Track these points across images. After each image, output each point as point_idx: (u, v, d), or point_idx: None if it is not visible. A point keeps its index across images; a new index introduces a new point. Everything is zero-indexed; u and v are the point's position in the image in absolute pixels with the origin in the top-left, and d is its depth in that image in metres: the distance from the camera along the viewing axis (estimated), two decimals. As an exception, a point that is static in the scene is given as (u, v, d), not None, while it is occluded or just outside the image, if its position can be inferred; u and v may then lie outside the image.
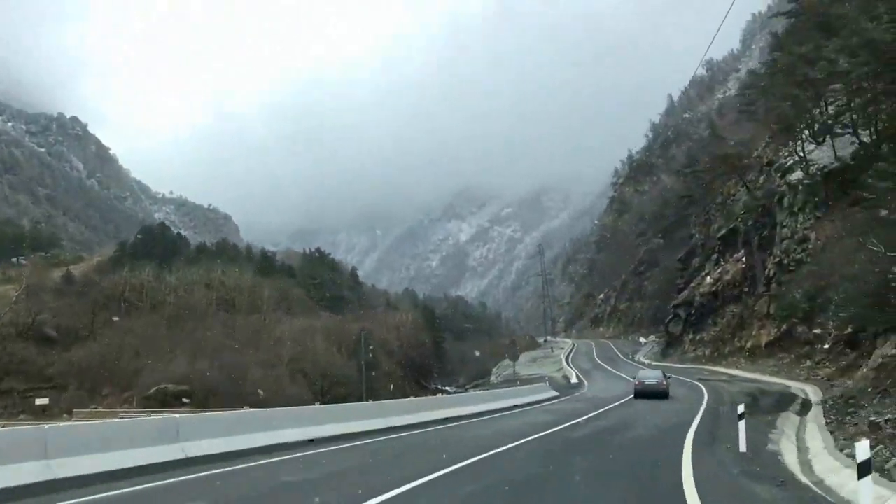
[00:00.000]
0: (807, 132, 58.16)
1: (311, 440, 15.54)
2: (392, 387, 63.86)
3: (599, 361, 74.46)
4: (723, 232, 66.16)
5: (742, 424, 13.07)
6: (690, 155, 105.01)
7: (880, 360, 25.47)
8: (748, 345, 56.29)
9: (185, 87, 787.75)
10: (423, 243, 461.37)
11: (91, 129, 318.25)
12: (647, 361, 71.08)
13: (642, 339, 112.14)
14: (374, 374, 71.95)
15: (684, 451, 12.74)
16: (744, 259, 62.27)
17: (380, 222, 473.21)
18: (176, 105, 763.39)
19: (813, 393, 29.58)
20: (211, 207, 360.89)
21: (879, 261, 28.67)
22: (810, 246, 53.83)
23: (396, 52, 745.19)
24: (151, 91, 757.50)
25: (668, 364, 66.02)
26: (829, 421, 19.14)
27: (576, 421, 20.51)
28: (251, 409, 25.52)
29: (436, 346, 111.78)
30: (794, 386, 34.19)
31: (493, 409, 25.63)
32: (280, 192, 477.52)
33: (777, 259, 55.69)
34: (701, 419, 20.17)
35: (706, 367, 58.00)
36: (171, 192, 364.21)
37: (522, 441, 14.92)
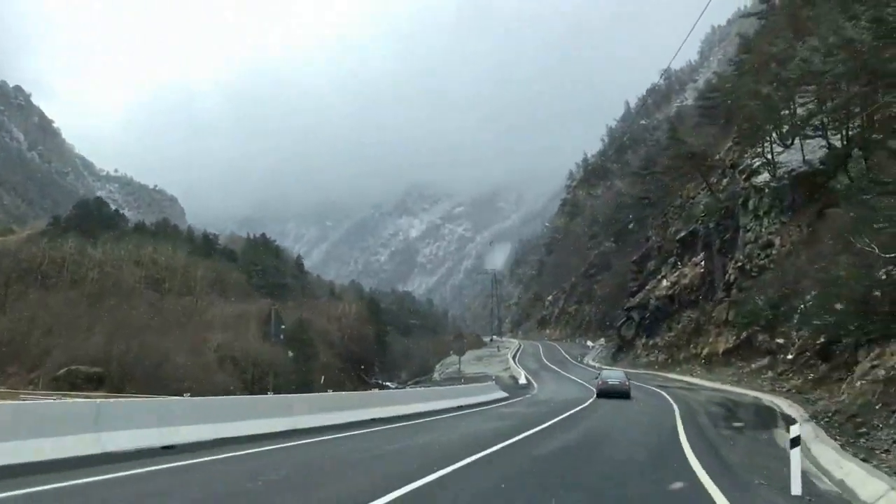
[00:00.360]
0: (775, 134, 55.59)
1: (171, 446, 11.25)
2: (323, 379, 59.31)
3: (548, 363, 71.23)
4: (682, 234, 63.33)
5: (796, 455, 9.03)
6: (648, 157, 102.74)
7: (883, 372, 22.28)
8: (704, 352, 53.38)
9: (139, 67, 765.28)
10: (372, 237, 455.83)
11: (35, 101, 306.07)
12: (596, 365, 68.06)
13: (590, 343, 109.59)
14: (308, 364, 67.49)
15: (710, 490, 8.77)
16: (703, 263, 59.49)
17: (330, 214, 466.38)
18: (128, 85, 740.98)
19: (788, 406, 26.23)
20: (157, 188, 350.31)
21: (872, 262, 25.65)
22: (774, 252, 51.15)
23: (356, 44, 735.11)
24: (104, 68, 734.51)
25: (620, 369, 63.16)
26: (841, 443, 15.68)
27: (537, 429, 16.56)
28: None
29: (379, 339, 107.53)
30: (764, 398, 30.92)
31: (433, 410, 21.67)
32: (231, 179, 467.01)
33: (739, 264, 52.90)
34: (685, 434, 16.41)
35: (660, 373, 54.98)
36: (117, 171, 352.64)
37: (470, 460, 10.86)
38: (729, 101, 71.01)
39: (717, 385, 42.58)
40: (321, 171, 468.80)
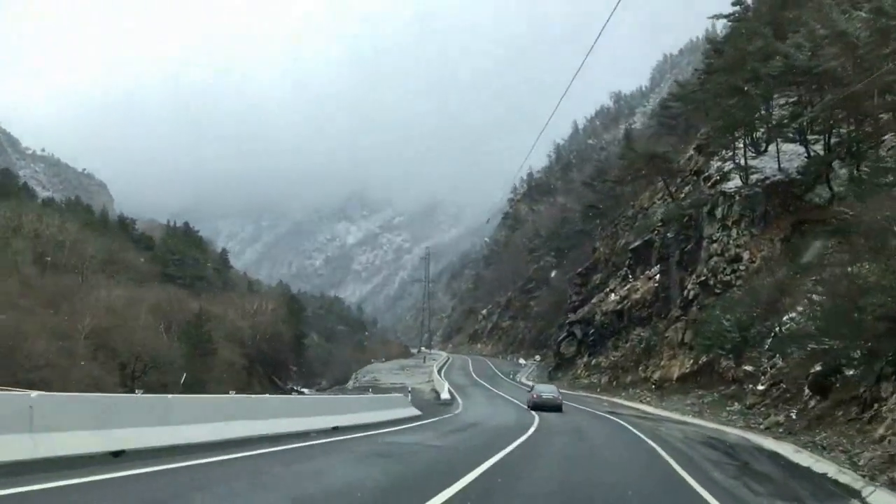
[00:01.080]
0: (748, 138, 49.27)
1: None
2: (184, 378, 50.57)
3: (477, 378, 63.59)
4: (635, 244, 56.57)
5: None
6: (599, 170, 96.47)
7: None
8: (656, 376, 46.30)
9: (78, 48, 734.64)
10: (308, 241, 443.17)
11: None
12: (530, 383, 60.93)
13: (522, 361, 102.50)
14: (204, 361, 58.30)
15: None
16: (658, 276, 52.70)
17: (267, 214, 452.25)
18: (67, 67, 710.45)
19: (806, 456, 18.80)
20: (85, 172, 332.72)
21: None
22: (742, 267, 44.47)
23: (304, 47, 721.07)
24: (43, 46, 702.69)
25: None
26: None
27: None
28: None
29: (297, 342, 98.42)
30: (754, 438, 23.53)
31: (289, 433, 13.54)
32: (166, 171, 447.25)
33: (701, 279, 46.08)
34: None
35: (603, 396, 47.78)
36: (44, 150, 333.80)
37: None
38: (690, 108, 65.06)
39: (677, 416, 35.37)
40: (261, 172, 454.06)
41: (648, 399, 44.14)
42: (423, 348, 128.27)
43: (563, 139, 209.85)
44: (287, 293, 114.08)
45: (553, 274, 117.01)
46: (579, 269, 69.63)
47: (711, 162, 52.93)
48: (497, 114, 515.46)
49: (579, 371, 55.42)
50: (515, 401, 40.70)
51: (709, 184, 50.50)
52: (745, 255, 44.36)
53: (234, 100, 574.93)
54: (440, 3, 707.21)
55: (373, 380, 57.96)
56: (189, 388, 55.43)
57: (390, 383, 54.01)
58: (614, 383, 49.77)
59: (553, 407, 33.60)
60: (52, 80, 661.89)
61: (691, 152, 59.40)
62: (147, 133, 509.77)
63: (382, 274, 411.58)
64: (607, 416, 31.19)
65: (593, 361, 54.28)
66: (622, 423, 27.06)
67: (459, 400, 39.98)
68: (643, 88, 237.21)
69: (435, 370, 65.05)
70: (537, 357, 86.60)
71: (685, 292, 47.58)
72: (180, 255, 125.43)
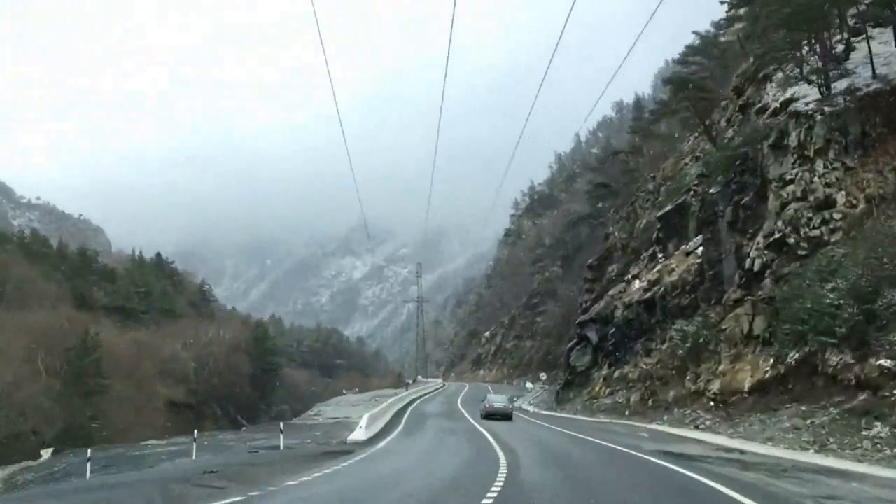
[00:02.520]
0: (822, 44, 33.74)
1: None
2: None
3: (460, 406, 47.20)
4: (667, 209, 40.57)
5: None
6: (607, 149, 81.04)
7: None
8: (713, 387, 30.03)
9: (71, 95, 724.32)
10: (314, 277, 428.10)
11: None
12: (532, 409, 44.87)
13: (529, 385, 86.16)
14: (89, 401, 42.29)
15: None
16: (700, 249, 36.69)
17: (271, 252, 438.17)
18: (61, 111, 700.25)
19: None
20: (82, 218, 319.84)
21: None
22: (837, 214, 28.64)
23: (304, 82, 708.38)
24: (39, 94, 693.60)
25: (566, 417, 39.31)
26: None
27: None
28: None
29: (266, 374, 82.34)
30: None
31: None
32: (166, 212, 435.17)
33: (772, 239, 30.07)
34: None
35: (635, 422, 31.69)
36: (39, 199, 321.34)
37: None
38: (714, 60, 49.68)
39: (781, 452, 19.35)
40: (262, 207, 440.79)
41: (708, 423, 27.98)
42: (418, 377, 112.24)
43: (565, 151, 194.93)
44: (252, 325, 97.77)
45: (559, 286, 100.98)
46: (590, 261, 53.51)
47: (766, 89, 37.31)
48: (501, 134, 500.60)
49: (597, 388, 39.11)
50: (492, 438, 24.49)
51: (766, 114, 34.75)
52: (841, 198, 28.44)
53: (230, 136, 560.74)
54: (440, 27, 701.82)
55: (316, 413, 42.67)
56: (73, 437, 39.73)
57: (332, 418, 38.32)
58: (650, 402, 33.48)
59: (504, 416, 35.38)
60: (48, 127, 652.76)
61: (730, 95, 43.72)
62: (146, 177, 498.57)
63: (388, 307, 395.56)
64: (667, 464, 15.03)
65: (616, 373, 38.04)
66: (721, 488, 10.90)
67: (387, 438, 23.85)
68: (645, 96, 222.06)
69: (397, 399, 48.40)
70: (542, 376, 70.19)
71: (746, 263, 31.50)
72: (146, 288, 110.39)
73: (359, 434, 22.41)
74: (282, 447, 21.37)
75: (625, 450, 19.05)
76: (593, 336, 41.60)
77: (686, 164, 46.15)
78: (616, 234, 52.51)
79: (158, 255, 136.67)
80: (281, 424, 23.45)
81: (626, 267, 48.53)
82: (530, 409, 48.26)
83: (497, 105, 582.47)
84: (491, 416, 35.11)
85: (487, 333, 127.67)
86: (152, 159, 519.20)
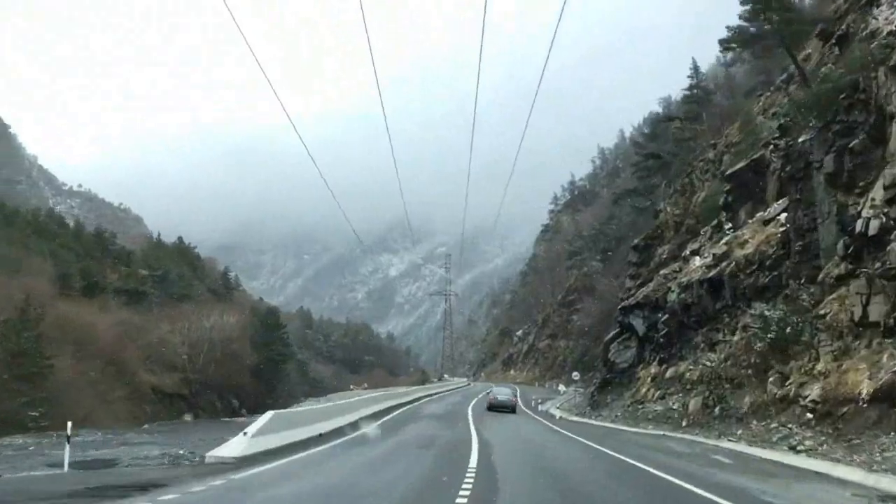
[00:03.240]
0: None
1: None
2: None
3: (468, 410, 38.74)
4: (738, 167, 31.79)
5: None
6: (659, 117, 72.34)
7: None
8: (811, 393, 21.37)
9: (116, 85, 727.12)
10: (350, 274, 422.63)
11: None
12: (559, 414, 36.52)
13: (561, 387, 77.55)
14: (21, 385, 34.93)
15: None
16: (784, 215, 28.01)
17: (309, 247, 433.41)
18: (106, 101, 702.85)
19: None
20: (122, 207, 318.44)
21: None
22: None
23: (341, 78, 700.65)
24: (83, 83, 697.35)
25: (602, 426, 30.62)
26: None
27: None
28: None
29: (273, 363, 74.84)
30: None
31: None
32: (207, 206, 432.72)
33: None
34: None
35: (696, 436, 23.14)
36: (80, 186, 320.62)
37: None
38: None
39: None
40: (302, 202, 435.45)
41: (808, 442, 19.32)
42: (444, 375, 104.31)
43: (608, 147, 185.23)
44: (262, 312, 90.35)
45: (598, 281, 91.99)
46: (636, 241, 44.60)
47: (874, 13, 28.50)
48: (546, 131, 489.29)
49: (643, 390, 30.33)
50: (476, 457, 15.92)
51: (881, 36, 25.90)
52: None
53: (269, 130, 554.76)
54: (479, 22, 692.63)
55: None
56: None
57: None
58: (715, 410, 24.80)
59: (507, 408, 36.52)
60: (92, 116, 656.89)
61: (813, 42, 34.76)
62: (188, 169, 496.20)
63: (424, 306, 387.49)
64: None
65: (669, 372, 29.32)
66: None
67: (315, 450, 15.29)
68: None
69: (388, 399, 39.77)
70: (575, 375, 61.46)
71: (857, 226, 22.66)
72: (162, 271, 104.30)
73: (234, 446, 13.79)
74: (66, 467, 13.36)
75: (709, 496, 10.65)
76: (639, 325, 32.91)
77: (756, 123, 37.25)
78: (668, 210, 43.71)
79: (180, 238, 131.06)
80: (68, 427, 14.60)
81: (679, 248, 39.77)
82: (557, 413, 39.83)
83: (541, 102, 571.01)
84: (495, 408, 36.18)
85: (520, 332, 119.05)
86: (193, 152, 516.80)
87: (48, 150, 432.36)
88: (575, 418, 34.50)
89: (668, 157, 48.39)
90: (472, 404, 41.42)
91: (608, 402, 33.00)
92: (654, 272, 39.35)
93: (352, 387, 75.23)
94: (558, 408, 43.57)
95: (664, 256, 40.09)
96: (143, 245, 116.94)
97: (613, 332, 36.01)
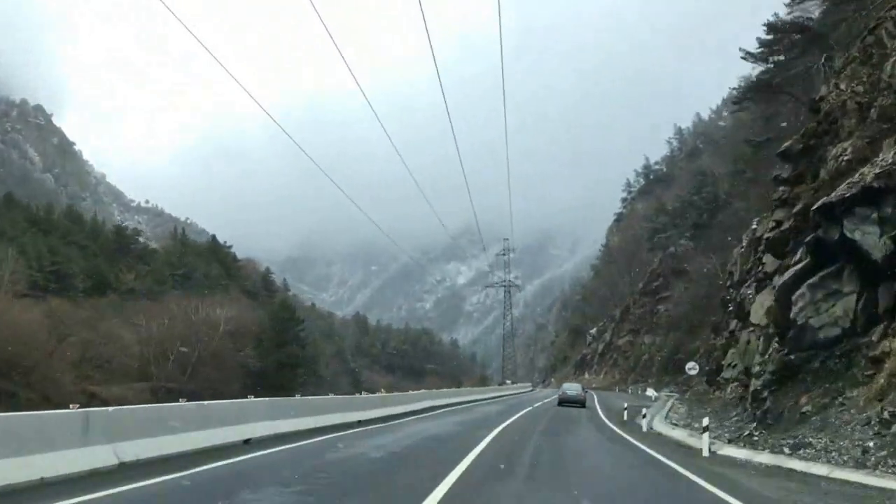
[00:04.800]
0: None
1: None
2: None
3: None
4: None
5: None
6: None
7: None
8: None
9: (183, 100, 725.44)
10: (418, 283, 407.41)
11: (57, 122, 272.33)
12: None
13: (651, 392, 59.34)
14: None
15: None
16: None
17: (377, 258, 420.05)
18: (173, 116, 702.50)
19: None
20: (189, 221, 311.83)
21: None
22: None
23: (403, 80, 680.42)
24: (150, 99, 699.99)
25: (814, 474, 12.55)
26: None
27: None
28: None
29: (286, 368, 58.59)
30: None
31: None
32: (275, 218, 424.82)
33: None
34: None
35: None
36: (148, 202, 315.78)
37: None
38: None
39: None
40: (369, 212, 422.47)
41: None
42: (506, 381, 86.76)
43: (686, 126, 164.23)
44: (277, 303, 74.14)
45: (690, 262, 73.16)
46: (785, 146, 26.06)
47: None
48: (610, 130, 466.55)
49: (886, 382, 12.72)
50: None
51: None
52: None
53: (336, 143, 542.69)
54: (540, 20, 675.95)
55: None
56: None
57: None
58: None
59: (576, 402, 37.69)
60: (159, 130, 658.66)
61: None
62: (254, 182, 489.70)
63: (494, 314, 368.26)
64: None
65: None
66: None
67: None
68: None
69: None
70: (691, 367, 43.60)
71: None
72: (185, 269, 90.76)
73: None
74: None
75: None
76: (871, 241, 14.65)
77: None
78: (840, 89, 25.51)
79: (214, 237, 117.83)
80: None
81: (870, 143, 21.47)
82: (668, 430, 22.30)
83: (602, 101, 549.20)
84: (564, 402, 37.32)
85: (594, 330, 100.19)
86: (261, 165, 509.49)
87: (117, 168, 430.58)
88: (728, 451, 15.86)
89: (823, 27, 30.25)
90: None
91: (804, 416, 14.75)
92: (832, 182, 21.03)
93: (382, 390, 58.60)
94: (667, 420, 25.64)
95: (848, 155, 21.82)
96: (167, 243, 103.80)
97: (798, 268, 17.67)
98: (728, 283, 51.69)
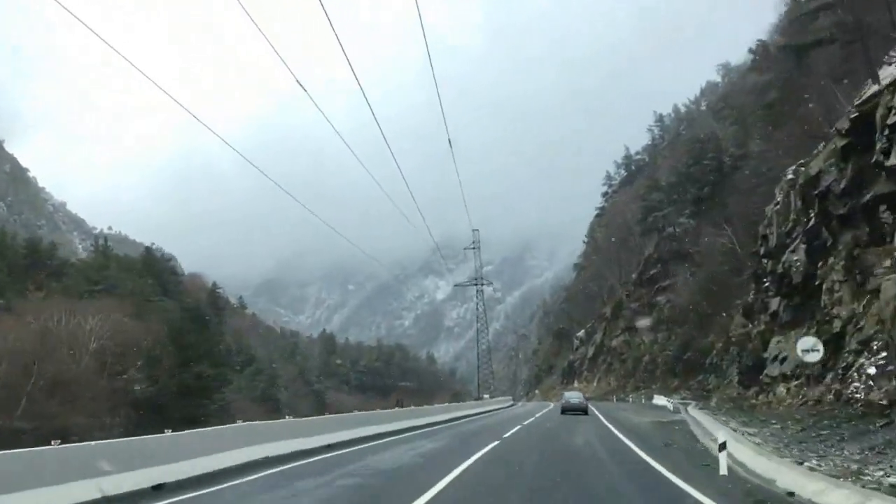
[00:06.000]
0: None
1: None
2: None
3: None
4: None
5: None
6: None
7: None
8: None
9: (149, 126, 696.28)
10: (396, 300, 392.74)
11: (9, 148, 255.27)
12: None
13: (664, 400, 46.19)
14: None
15: None
16: None
17: (353, 277, 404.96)
18: (139, 143, 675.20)
19: None
20: (155, 247, 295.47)
21: None
22: None
23: (375, 94, 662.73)
24: (108, 122, 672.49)
25: None
26: None
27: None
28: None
29: (185, 392, 44.28)
30: None
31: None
32: (248, 242, 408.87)
33: None
34: None
35: None
36: (111, 229, 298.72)
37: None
38: None
39: None
40: (343, 232, 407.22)
41: None
42: (485, 395, 73.13)
43: (667, 112, 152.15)
44: (175, 315, 59.03)
45: (692, 241, 60.39)
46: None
47: None
48: (586, 138, 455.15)
49: None
50: None
51: None
52: None
53: (303, 156, 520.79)
54: (513, 24, 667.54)
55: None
56: None
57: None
58: None
59: (579, 410, 37.10)
60: (121, 155, 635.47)
61: None
62: (225, 205, 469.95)
63: (474, 328, 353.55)
64: None
65: None
66: None
67: None
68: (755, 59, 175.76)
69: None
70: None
71: None
72: (106, 284, 76.69)
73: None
74: None
75: None
76: None
77: None
78: None
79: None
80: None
81: None
82: (780, 469, 9.45)
83: (580, 104, 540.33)
84: (566, 411, 37.33)
85: (581, 333, 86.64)
86: (232, 188, 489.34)
87: (80, 196, 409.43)
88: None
89: None
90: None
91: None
92: None
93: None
94: (793, 457, 12.54)
95: None
96: (87, 257, 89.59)
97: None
98: (761, 249, 38.80)
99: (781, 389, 32.54)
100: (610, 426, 24.71)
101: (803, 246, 32.98)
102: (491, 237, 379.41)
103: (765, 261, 38.08)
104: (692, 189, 63.79)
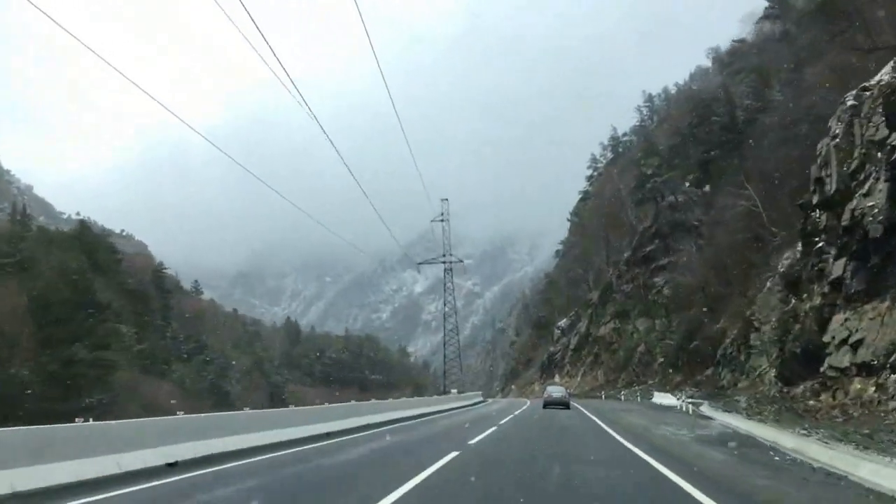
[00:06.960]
0: None
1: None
2: None
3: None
4: None
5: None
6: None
7: None
8: None
9: (120, 113, 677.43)
10: (374, 293, 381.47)
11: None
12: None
13: (669, 398, 35.90)
14: None
15: None
16: None
17: (330, 268, 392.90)
18: (112, 129, 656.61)
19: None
20: (124, 234, 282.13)
21: None
22: None
23: (353, 86, 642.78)
24: (81, 106, 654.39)
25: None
26: None
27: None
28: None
29: (55, 378, 33.70)
30: None
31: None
32: (223, 232, 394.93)
33: None
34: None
35: None
36: (79, 214, 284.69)
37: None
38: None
39: None
40: (319, 225, 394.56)
41: None
42: (452, 390, 62.95)
43: (657, 92, 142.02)
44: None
45: (699, 211, 50.38)
46: None
47: None
48: (569, 129, 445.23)
49: None
50: None
51: None
52: None
53: (282, 145, 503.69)
54: (491, 17, 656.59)
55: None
56: None
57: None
58: None
59: (562, 404, 36.27)
60: (93, 140, 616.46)
61: None
62: (199, 195, 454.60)
63: (452, 320, 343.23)
64: None
65: None
66: None
67: None
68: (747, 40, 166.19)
69: None
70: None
71: None
72: (19, 257, 65.94)
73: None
74: None
75: None
76: None
77: None
78: None
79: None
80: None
81: None
82: None
83: (561, 94, 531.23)
84: (548, 405, 36.26)
85: (563, 322, 76.43)
86: (206, 178, 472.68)
87: (49, 181, 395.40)
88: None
89: None
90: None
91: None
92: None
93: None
94: None
95: None
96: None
97: None
98: (814, 198, 28.79)
99: (857, 386, 22.40)
100: (611, 431, 14.31)
101: (884, 185, 22.86)
102: (471, 231, 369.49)
103: (817, 213, 28.14)
104: (697, 151, 53.79)
